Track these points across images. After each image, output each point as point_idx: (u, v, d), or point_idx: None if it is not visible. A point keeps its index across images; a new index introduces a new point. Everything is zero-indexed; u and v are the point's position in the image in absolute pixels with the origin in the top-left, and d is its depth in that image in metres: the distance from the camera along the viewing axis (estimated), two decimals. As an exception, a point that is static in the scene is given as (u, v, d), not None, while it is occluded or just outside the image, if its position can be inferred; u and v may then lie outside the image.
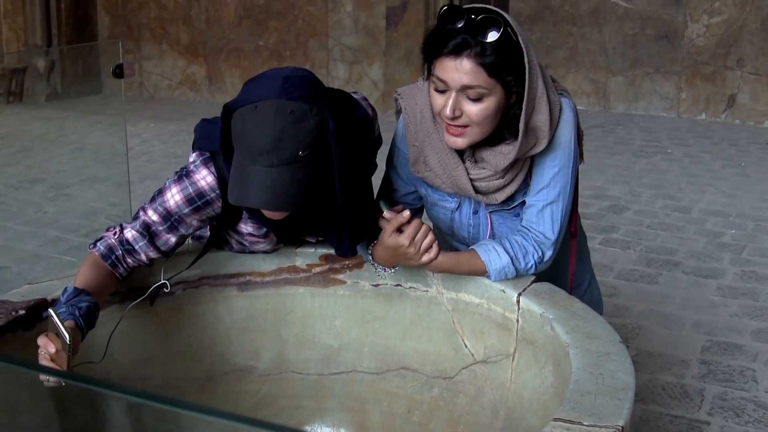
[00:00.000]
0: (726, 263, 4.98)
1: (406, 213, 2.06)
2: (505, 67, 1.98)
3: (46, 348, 1.76)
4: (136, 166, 6.86)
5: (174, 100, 10.47)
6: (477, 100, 2.00)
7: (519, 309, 2.03)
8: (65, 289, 1.94)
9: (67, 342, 1.73)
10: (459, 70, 1.97)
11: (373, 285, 2.30)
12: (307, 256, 2.34)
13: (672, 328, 4.11)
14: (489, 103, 2.00)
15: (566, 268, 2.38)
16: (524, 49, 2.00)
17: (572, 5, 9.80)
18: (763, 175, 7.07)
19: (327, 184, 2.01)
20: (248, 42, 9.96)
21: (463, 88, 1.98)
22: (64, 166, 7.75)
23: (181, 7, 10.42)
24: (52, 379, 1.74)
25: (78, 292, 1.93)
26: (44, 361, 1.75)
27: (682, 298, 4.47)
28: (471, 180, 2.17)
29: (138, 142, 8.22)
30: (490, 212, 2.27)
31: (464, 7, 2.02)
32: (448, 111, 2.00)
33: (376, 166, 2.34)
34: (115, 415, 2.07)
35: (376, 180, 2.33)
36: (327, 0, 9.49)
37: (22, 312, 1.98)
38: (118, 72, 5.08)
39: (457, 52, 1.96)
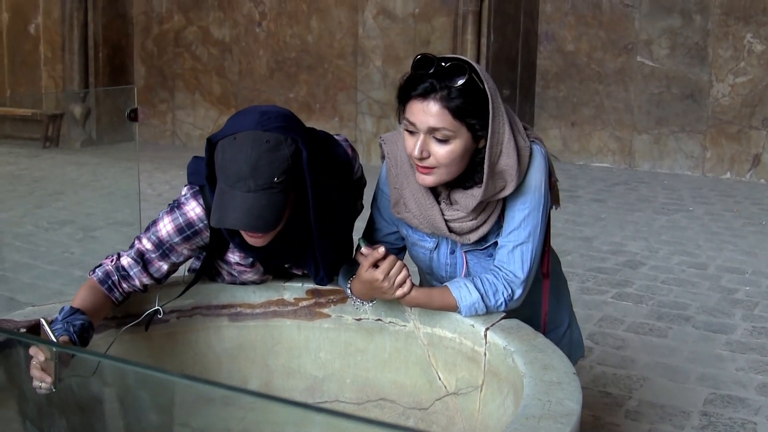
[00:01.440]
0: (737, 319, 4.99)
1: (381, 249, 2.16)
2: (470, 111, 2.09)
3: (37, 356, 1.87)
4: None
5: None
6: (443, 142, 2.11)
7: (486, 343, 2.11)
8: (62, 309, 2.08)
9: (53, 339, 1.84)
10: (426, 112, 2.09)
11: (355, 319, 2.40)
12: (294, 290, 2.45)
13: (677, 381, 4.12)
14: (455, 146, 2.11)
15: (540, 309, 2.46)
16: (489, 96, 2.11)
17: (598, 64, 9.93)
18: (783, 233, 7.10)
19: (303, 213, 2.15)
20: (279, 94, 10.17)
21: (430, 130, 2.10)
22: (94, 210, 7.95)
23: (214, 59, 10.68)
24: (43, 385, 1.85)
25: (74, 311, 2.06)
26: (34, 369, 1.86)
27: (690, 352, 4.49)
28: (446, 221, 2.27)
29: (168, 188, 8.43)
30: (466, 252, 2.36)
31: (437, 56, 2.14)
32: (416, 152, 2.12)
33: (362, 207, 2.48)
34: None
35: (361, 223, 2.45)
36: (356, 54, 9.69)
37: (23, 330, 2.09)
38: (133, 115, 5.26)
39: (424, 95, 2.09)
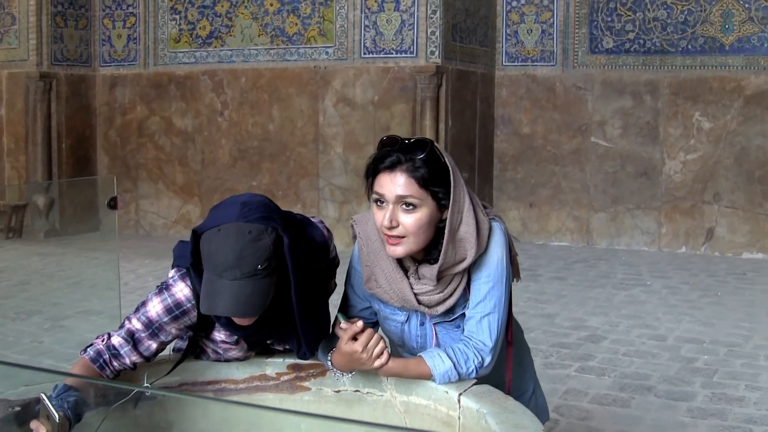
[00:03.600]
0: (697, 386, 5.14)
1: (360, 323, 2.32)
2: (434, 180, 2.31)
3: (38, 431, 1.98)
4: (131, 300, 7.05)
5: (169, 238, 10.73)
6: (411, 210, 2.30)
7: (460, 407, 2.24)
8: (56, 386, 2.19)
9: (56, 420, 1.94)
10: (394, 182, 2.29)
11: (335, 391, 2.52)
12: (276, 366, 2.57)
13: (642, 449, 4.25)
14: (421, 214, 2.31)
15: (505, 375, 2.60)
16: (450, 167, 2.32)
17: (554, 146, 10.23)
18: (738, 304, 7.30)
19: (285, 293, 2.29)
20: (242, 182, 10.30)
21: (398, 199, 2.29)
22: (61, 300, 7.96)
23: (177, 149, 10.82)
24: None
25: (67, 388, 2.18)
26: None
27: (653, 420, 4.61)
28: (415, 294, 2.43)
29: (133, 277, 8.46)
30: (435, 324, 2.53)
31: (401, 136, 2.37)
32: (386, 221, 2.30)
33: (335, 285, 2.64)
34: None
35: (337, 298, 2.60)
36: (317, 142, 9.89)
37: (17, 408, 2.18)
38: (112, 204, 5.40)
39: (392, 168, 2.30)
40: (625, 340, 6.20)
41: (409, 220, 2.31)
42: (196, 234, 2.29)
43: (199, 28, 10.60)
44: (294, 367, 2.55)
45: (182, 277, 2.39)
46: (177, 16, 10.75)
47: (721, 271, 8.68)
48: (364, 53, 9.56)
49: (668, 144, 9.80)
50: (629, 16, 9.94)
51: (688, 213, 9.72)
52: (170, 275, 2.43)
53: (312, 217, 2.59)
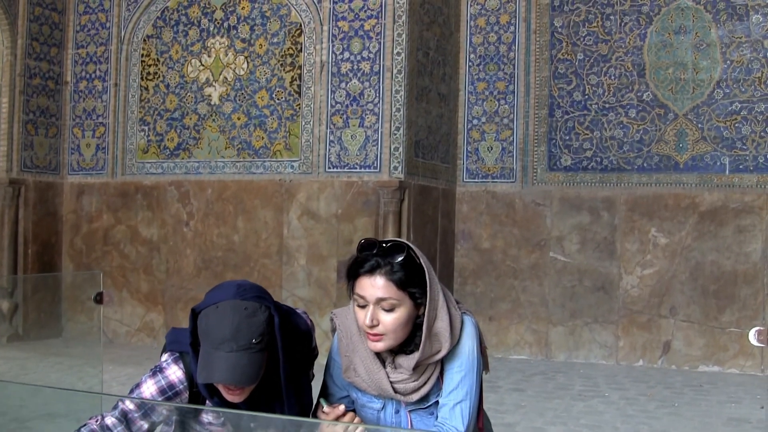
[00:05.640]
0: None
1: (342, 407, 2.49)
2: (411, 281, 2.48)
3: None
4: (94, 404, 7.06)
5: (132, 345, 10.73)
6: (390, 310, 2.48)
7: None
8: None
9: None
10: (374, 285, 2.47)
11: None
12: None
13: None
14: (400, 313, 2.48)
15: None
16: (425, 269, 2.49)
17: (513, 260, 10.43)
18: (694, 414, 7.41)
19: (273, 371, 2.47)
20: (205, 292, 10.32)
21: (378, 301, 2.47)
22: (26, 402, 7.88)
23: (142, 257, 10.89)
24: None
25: None
26: None
27: None
28: (391, 383, 2.59)
29: (95, 382, 8.44)
30: (410, 411, 2.65)
31: (378, 239, 2.54)
32: (367, 321, 2.48)
33: (313, 376, 2.78)
34: None
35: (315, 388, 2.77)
36: (282, 254, 10.02)
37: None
38: (99, 299, 5.52)
39: (371, 272, 2.48)
40: (580, 454, 6.26)
41: (389, 319, 2.49)
42: (195, 313, 2.49)
43: (168, 139, 10.82)
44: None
45: (175, 361, 2.55)
46: (146, 128, 10.97)
47: (678, 383, 8.80)
48: (329, 167, 9.79)
49: (625, 259, 10.03)
50: (587, 134, 10.30)
51: (645, 327, 9.88)
52: (163, 359, 2.58)
53: (297, 308, 2.78)
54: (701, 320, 9.67)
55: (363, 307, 2.52)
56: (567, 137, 10.39)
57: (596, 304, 10.08)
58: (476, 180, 10.71)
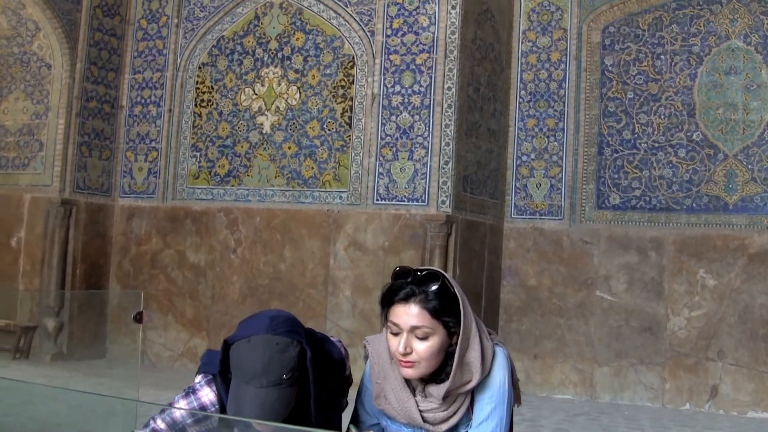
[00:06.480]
0: None
1: None
2: (445, 311, 2.49)
3: None
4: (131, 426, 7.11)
5: (174, 370, 10.79)
6: (424, 338, 2.49)
7: None
8: None
9: None
10: (408, 313, 2.48)
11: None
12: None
13: None
14: (433, 342, 2.49)
15: None
16: (459, 298, 2.51)
17: (560, 298, 10.36)
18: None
19: (303, 405, 2.46)
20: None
21: (412, 329, 2.47)
22: (63, 421, 7.96)
23: (189, 282, 10.97)
24: None
25: None
26: None
27: None
28: (420, 411, 2.58)
29: (131, 406, 8.49)
30: None
31: (413, 267, 2.56)
32: (401, 348, 2.48)
33: (346, 404, 2.79)
34: None
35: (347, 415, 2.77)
36: (327, 284, 10.05)
37: None
38: (138, 318, 5.60)
39: (406, 300, 2.49)
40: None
41: (422, 347, 2.50)
42: (227, 344, 2.48)
43: (218, 166, 10.93)
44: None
45: (208, 383, 2.57)
46: (197, 154, 11.10)
47: (726, 429, 8.67)
48: (377, 199, 9.83)
49: (672, 300, 9.93)
50: (636, 173, 10.24)
51: (692, 369, 9.76)
52: (197, 380, 2.60)
53: (331, 336, 2.77)
54: (750, 364, 9.53)
55: (396, 334, 2.53)
56: (616, 176, 10.35)
57: (642, 345, 9.97)
58: (524, 216, 10.68)
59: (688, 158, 10.05)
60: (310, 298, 10.15)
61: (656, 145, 10.20)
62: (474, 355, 2.53)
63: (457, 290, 2.53)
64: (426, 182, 9.63)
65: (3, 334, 10.95)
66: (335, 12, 10.39)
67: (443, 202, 9.52)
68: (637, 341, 10.01)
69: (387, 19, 10.05)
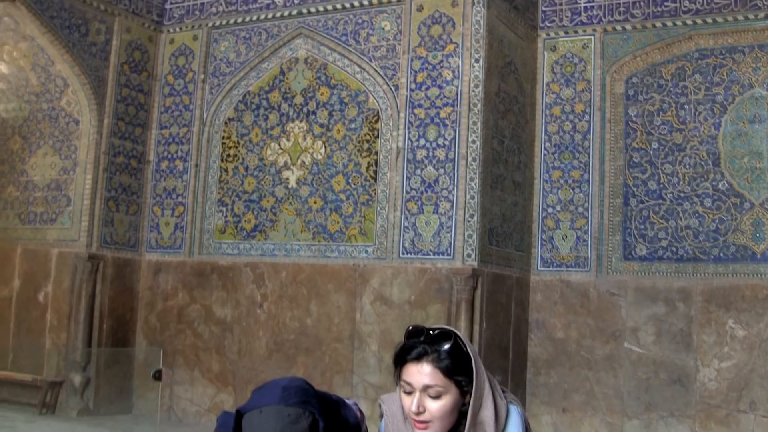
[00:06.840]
0: None
1: None
2: (457, 369, 2.51)
3: None
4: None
5: (201, 425, 10.77)
6: (436, 398, 2.50)
7: None
8: None
9: None
10: (420, 372, 2.50)
11: None
12: None
13: None
14: (446, 401, 2.50)
15: None
16: (472, 357, 2.53)
17: (588, 351, 10.29)
18: None
19: None
20: (276, 375, 10.33)
21: (425, 388, 2.49)
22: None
23: (215, 337, 10.98)
24: None
25: None
26: None
27: None
28: None
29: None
30: None
31: (426, 326, 2.58)
32: (414, 407, 2.50)
33: None
34: None
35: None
36: (353, 338, 10.03)
37: None
38: (158, 375, 5.62)
39: (418, 359, 2.52)
40: None
41: (435, 407, 2.51)
42: (239, 414, 2.48)
43: (245, 220, 10.99)
44: None
45: None
46: (224, 208, 11.17)
47: (759, 486, 8.57)
48: (403, 253, 9.84)
49: (702, 351, 9.84)
50: (662, 224, 10.21)
51: (724, 422, 9.64)
52: None
53: (347, 398, 2.79)
54: (782, 417, 9.42)
55: (409, 393, 2.54)
56: (642, 226, 10.31)
57: (672, 397, 9.88)
58: (550, 268, 10.65)
59: (714, 208, 10.01)
60: (337, 352, 10.14)
61: (682, 195, 10.17)
62: (487, 413, 2.53)
63: (470, 349, 2.56)
64: (451, 235, 9.63)
65: (30, 389, 11.01)
66: (360, 67, 10.47)
67: (469, 256, 9.51)
68: (666, 393, 9.92)
69: (411, 73, 10.11)
